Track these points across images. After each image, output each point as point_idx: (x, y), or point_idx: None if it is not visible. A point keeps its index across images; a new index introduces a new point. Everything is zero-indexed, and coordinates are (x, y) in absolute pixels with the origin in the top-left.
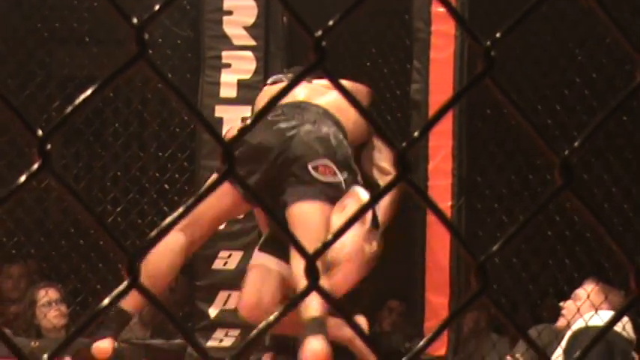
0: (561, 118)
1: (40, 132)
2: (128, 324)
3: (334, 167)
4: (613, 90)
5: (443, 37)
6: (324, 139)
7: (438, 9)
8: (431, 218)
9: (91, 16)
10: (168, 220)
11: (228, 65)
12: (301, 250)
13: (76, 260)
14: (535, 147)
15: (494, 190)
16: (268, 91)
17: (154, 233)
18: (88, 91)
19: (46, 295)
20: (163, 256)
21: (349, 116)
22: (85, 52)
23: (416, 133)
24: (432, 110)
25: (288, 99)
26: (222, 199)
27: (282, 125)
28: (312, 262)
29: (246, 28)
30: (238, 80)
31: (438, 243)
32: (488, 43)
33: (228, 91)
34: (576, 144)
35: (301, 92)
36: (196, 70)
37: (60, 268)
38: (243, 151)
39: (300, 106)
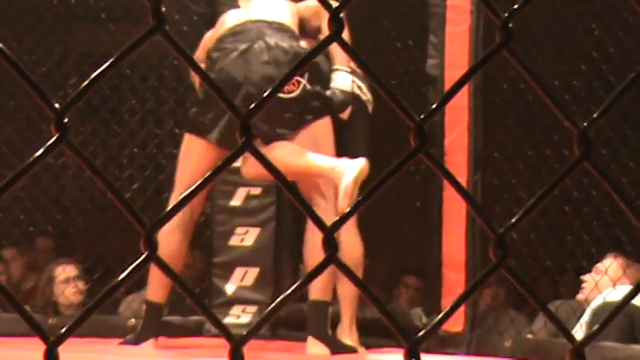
0: (579, 93)
1: (57, 105)
2: (162, 316)
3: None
4: (631, 64)
5: (459, 12)
6: (272, 55)
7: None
8: (447, 194)
9: None
10: (185, 193)
11: None
12: (319, 223)
13: (93, 238)
14: (553, 122)
15: (511, 166)
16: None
17: (169, 208)
18: (105, 64)
19: (64, 271)
20: (170, 235)
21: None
22: (101, 29)
23: (434, 106)
24: (447, 85)
25: (240, 20)
26: (201, 157)
27: (229, 59)
28: (330, 234)
29: None
30: None
31: (455, 219)
32: (506, 15)
33: None
34: (595, 115)
35: (254, 12)
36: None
37: (77, 246)
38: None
39: (245, 28)
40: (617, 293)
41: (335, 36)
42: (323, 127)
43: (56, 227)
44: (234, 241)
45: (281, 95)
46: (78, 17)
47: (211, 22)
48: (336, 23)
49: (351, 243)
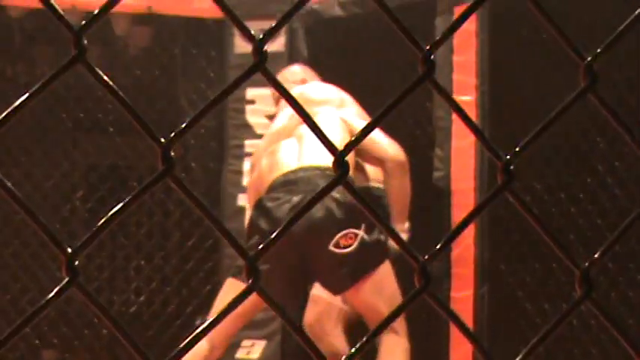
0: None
1: (69, 250)
2: None
3: (351, 231)
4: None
5: (464, 126)
6: (325, 208)
7: (460, 97)
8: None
9: (114, 107)
10: (200, 329)
11: (251, 154)
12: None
13: (99, 350)
14: (554, 256)
15: (518, 278)
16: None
17: (186, 342)
18: (118, 206)
19: None
20: None
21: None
22: (108, 142)
23: (438, 246)
24: (454, 198)
25: (282, 171)
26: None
27: (281, 212)
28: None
29: (269, 117)
30: None
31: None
32: (507, 157)
33: None
34: (596, 256)
35: (291, 158)
36: (220, 159)
37: (83, 358)
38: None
39: (297, 177)
40: None
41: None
42: (384, 270)
43: (62, 340)
44: (240, 353)
45: (336, 250)
46: (85, 130)
47: (218, 135)
48: (340, 167)
49: None
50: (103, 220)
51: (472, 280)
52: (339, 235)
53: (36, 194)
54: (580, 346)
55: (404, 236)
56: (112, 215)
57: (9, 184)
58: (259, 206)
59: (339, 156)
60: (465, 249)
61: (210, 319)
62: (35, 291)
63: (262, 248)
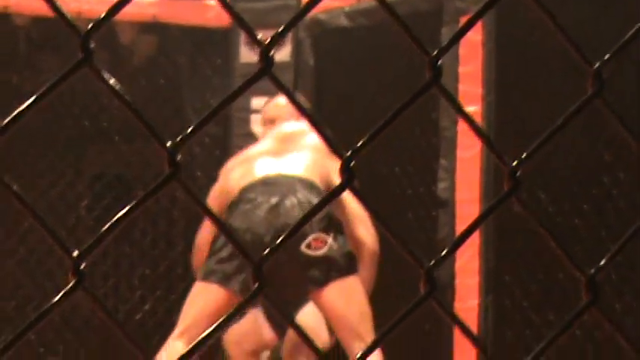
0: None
1: (75, 253)
2: None
3: (322, 235)
4: None
5: (469, 136)
6: (302, 211)
7: (466, 107)
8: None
9: (120, 115)
10: (201, 337)
11: None
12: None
13: (105, 358)
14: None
15: (522, 287)
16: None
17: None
18: (124, 210)
19: None
20: None
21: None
22: (114, 151)
23: (443, 252)
24: (458, 208)
25: (258, 176)
26: (213, 300)
27: (259, 211)
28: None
29: None
30: None
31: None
32: (514, 163)
33: None
34: (602, 263)
35: (270, 167)
36: None
37: None
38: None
39: (268, 182)
40: None
41: (346, 185)
42: (353, 281)
43: (67, 347)
44: None
45: (307, 251)
46: (91, 139)
47: (223, 144)
48: (346, 173)
49: None
50: (109, 224)
51: (477, 290)
52: (311, 237)
53: (41, 203)
54: (585, 356)
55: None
56: (118, 219)
57: (15, 187)
58: (233, 207)
59: (345, 160)
60: (469, 259)
61: (183, 320)
62: (40, 298)
63: (268, 252)
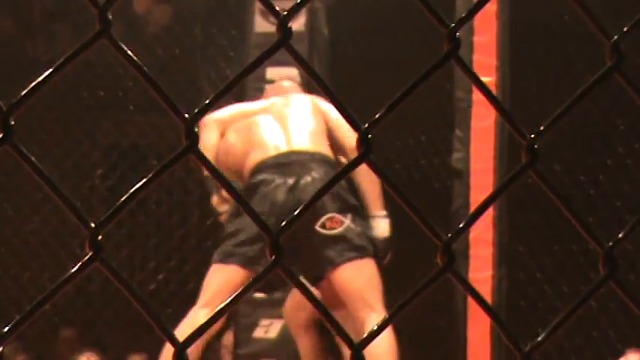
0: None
1: (92, 224)
2: None
3: (337, 216)
4: None
5: (484, 106)
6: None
7: (480, 78)
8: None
9: (135, 85)
10: (215, 311)
11: None
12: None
13: (118, 329)
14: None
15: (536, 260)
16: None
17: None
18: (142, 181)
19: None
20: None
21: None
22: (129, 121)
23: (461, 225)
24: (473, 179)
25: (270, 153)
26: (233, 279)
27: (279, 194)
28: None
29: None
30: None
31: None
32: (532, 135)
33: None
34: (620, 236)
35: (279, 141)
36: None
37: (101, 337)
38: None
39: (282, 162)
40: None
41: (363, 157)
42: (369, 262)
43: (81, 318)
44: (258, 332)
45: (322, 231)
46: (106, 108)
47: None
48: (364, 145)
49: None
50: (126, 195)
51: (490, 261)
52: (326, 217)
53: (56, 172)
54: (598, 328)
55: (385, 223)
56: (135, 190)
57: (32, 157)
58: (250, 188)
59: (362, 133)
60: (483, 230)
61: (205, 293)
62: (55, 269)
63: (285, 225)
